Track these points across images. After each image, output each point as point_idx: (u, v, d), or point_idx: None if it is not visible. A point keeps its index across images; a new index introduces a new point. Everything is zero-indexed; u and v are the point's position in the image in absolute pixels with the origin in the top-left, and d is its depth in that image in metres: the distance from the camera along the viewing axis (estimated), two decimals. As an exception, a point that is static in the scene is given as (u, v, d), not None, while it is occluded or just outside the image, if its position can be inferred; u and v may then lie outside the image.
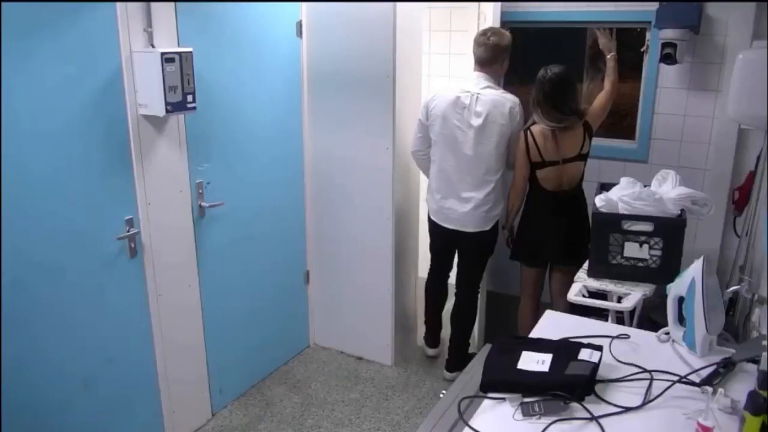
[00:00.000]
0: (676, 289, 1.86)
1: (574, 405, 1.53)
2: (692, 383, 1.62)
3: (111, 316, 2.44)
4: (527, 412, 1.52)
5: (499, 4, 3.23)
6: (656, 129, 3.68)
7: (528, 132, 3.01)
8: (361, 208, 3.37)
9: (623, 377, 1.67)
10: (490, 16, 3.32)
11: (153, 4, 2.38)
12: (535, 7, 3.87)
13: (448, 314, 3.52)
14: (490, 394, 1.61)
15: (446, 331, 3.55)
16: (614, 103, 3.84)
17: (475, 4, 3.98)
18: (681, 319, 1.86)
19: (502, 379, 1.62)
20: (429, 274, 3.53)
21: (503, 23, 4.04)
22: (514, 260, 3.31)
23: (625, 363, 1.74)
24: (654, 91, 3.62)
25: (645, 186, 2.77)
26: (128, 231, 2.44)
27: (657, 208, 2.58)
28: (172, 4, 2.47)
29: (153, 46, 2.39)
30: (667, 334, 1.90)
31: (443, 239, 3.30)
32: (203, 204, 2.79)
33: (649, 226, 2.56)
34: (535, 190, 3.08)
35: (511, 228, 3.26)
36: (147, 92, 2.35)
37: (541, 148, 2.97)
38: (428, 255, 3.73)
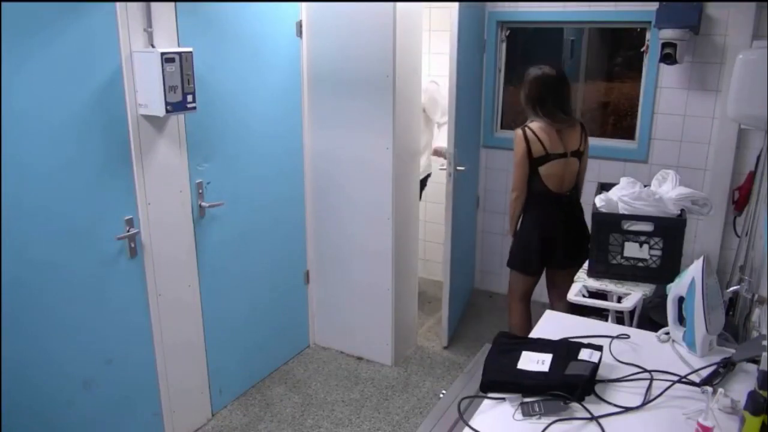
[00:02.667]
0: (676, 289, 1.86)
1: (574, 405, 1.53)
2: (692, 383, 1.62)
3: (111, 316, 2.44)
4: (527, 412, 1.52)
5: (456, 4, 3.20)
6: (656, 129, 3.69)
7: (526, 129, 2.93)
8: (361, 208, 3.37)
9: (623, 377, 1.67)
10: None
11: (153, 4, 2.38)
12: (536, 7, 3.87)
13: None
14: (490, 394, 1.60)
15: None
16: (614, 103, 3.83)
17: (475, 4, 3.98)
18: (681, 319, 1.86)
19: (502, 379, 1.62)
20: None
21: (503, 23, 4.06)
22: (513, 269, 3.20)
23: (625, 363, 1.74)
24: (654, 91, 3.62)
25: (645, 186, 2.77)
26: (128, 231, 2.44)
27: (657, 208, 2.58)
28: (172, 4, 2.48)
29: (153, 46, 2.39)
30: (667, 334, 1.90)
31: None
32: (203, 204, 2.79)
33: (649, 226, 2.56)
34: (538, 194, 2.98)
35: (516, 234, 3.15)
36: (147, 92, 2.35)
37: (544, 141, 2.90)
38: (427, 254, 3.73)
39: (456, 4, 3.20)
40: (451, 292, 3.65)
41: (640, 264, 2.59)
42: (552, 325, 2.00)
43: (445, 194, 3.48)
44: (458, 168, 3.50)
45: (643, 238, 2.57)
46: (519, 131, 2.94)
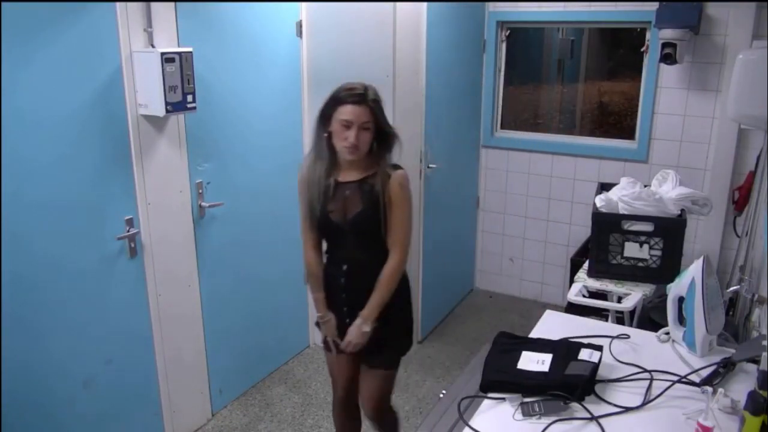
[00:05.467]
0: (676, 289, 1.86)
1: (574, 405, 1.53)
2: (692, 383, 1.62)
3: (111, 316, 2.44)
4: (527, 412, 1.52)
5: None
6: (656, 129, 3.69)
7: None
8: (361, 208, 3.36)
9: (623, 377, 1.67)
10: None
11: (153, 4, 2.38)
12: (536, 7, 3.87)
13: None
14: (490, 394, 1.61)
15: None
16: (614, 103, 3.81)
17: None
18: (681, 319, 1.86)
19: (502, 379, 1.62)
20: None
21: (503, 23, 4.06)
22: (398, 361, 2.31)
23: (625, 363, 1.74)
24: (654, 91, 3.63)
25: (645, 186, 2.77)
26: (128, 231, 2.44)
27: (657, 208, 2.58)
28: (172, 4, 2.47)
29: (153, 46, 2.39)
30: (667, 334, 1.90)
31: None
32: (203, 204, 2.79)
33: (649, 226, 2.56)
34: None
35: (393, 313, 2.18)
36: (147, 92, 2.35)
37: None
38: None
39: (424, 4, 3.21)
40: (425, 288, 3.69)
41: (640, 264, 2.59)
42: (552, 325, 2.00)
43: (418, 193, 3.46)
44: (430, 166, 3.50)
45: (643, 238, 2.57)
46: (405, 174, 2.13)
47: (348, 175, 2.11)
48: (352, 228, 2.08)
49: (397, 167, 2.13)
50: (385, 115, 2.10)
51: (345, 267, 2.14)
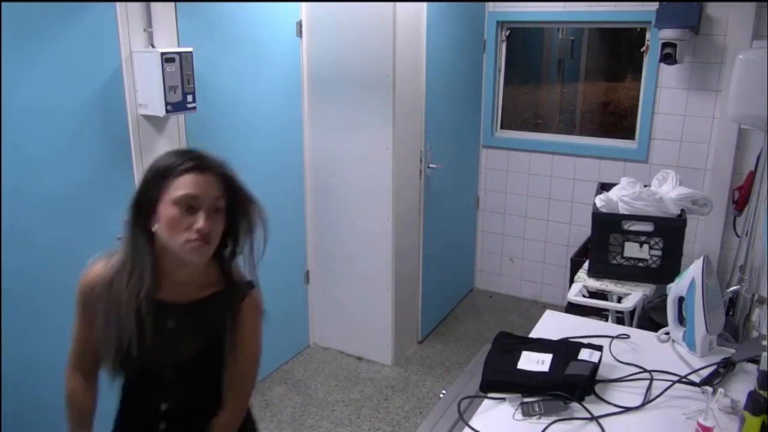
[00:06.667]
0: (676, 289, 1.86)
1: (574, 405, 1.53)
2: (692, 383, 1.62)
3: (111, 316, 2.43)
4: (527, 412, 1.52)
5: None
6: (656, 129, 3.69)
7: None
8: (361, 208, 3.36)
9: (623, 377, 1.67)
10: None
11: (153, 4, 2.38)
12: (536, 7, 3.87)
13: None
14: (490, 394, 1.61)
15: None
16: (614, 103, 3.79)
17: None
18: (681, 319, 1.86)
19: (502, 379, 1.62)
20: None
21: (503, 23, 4.06)
22: None
23: (625, 363, 1.74)
24: (654, 91, 3.63)
25: (645, 186, 2.77)
26: (128, 231, 2.44)
27: (657, 208, 2.58)
28: (172, 4, 2.48)
29: (153, 46, 2.39)
30: (667, 334, 1.90)
31: None
32: (203, 204, 2.78)
33: (649, 226, 2.56)
34: None
35: None
36: (147, 92, 2.35)
37: None
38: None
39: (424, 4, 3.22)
40: (425, 288, 3.69)
41: (640, 264, 2.59)
42: (552, 325, 2.00)
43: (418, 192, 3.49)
44: (430, 166, 3.50)
45: (643, 238, 2.57)
46: (260, 294, 1.53)
47: (174, 293, 1.38)
48: (179, 374, 1.41)
49: (250, 282, 1.45)
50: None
51: (165, 407, 1.45)
